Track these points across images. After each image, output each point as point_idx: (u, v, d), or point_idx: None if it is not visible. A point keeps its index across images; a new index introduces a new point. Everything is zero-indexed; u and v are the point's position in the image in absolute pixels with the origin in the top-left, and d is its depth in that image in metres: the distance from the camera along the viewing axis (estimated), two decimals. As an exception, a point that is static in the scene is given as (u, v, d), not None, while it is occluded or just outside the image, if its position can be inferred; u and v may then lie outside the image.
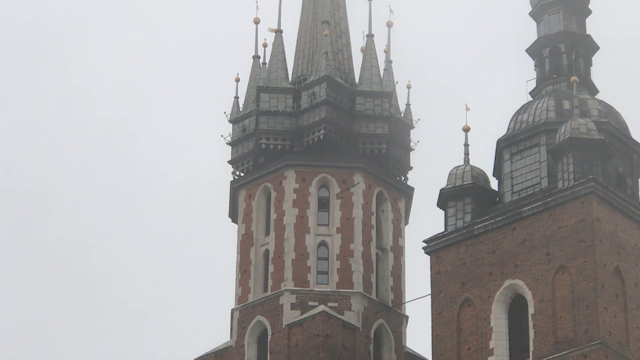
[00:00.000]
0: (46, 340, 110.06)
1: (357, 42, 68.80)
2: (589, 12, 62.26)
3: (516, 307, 55.25)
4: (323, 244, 63.91)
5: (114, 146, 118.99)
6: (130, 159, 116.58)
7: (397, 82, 67.92)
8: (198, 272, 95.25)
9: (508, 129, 59.65)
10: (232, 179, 66.96)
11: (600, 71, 61.87)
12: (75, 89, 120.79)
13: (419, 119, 67.87)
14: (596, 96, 60.42)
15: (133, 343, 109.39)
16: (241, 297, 64.00)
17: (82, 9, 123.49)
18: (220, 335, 64.09)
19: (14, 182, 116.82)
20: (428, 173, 66.99)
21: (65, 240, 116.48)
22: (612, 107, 59.72)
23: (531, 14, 62.36)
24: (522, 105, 60.35)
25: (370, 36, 68.20)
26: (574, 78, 59.03)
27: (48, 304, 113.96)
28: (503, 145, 59.23)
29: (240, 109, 67.62)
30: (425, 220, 64.40)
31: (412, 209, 67.07)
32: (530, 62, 62.04)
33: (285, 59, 68.37)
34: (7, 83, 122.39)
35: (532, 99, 60.68)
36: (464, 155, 59.93)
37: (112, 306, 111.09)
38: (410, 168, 67.49)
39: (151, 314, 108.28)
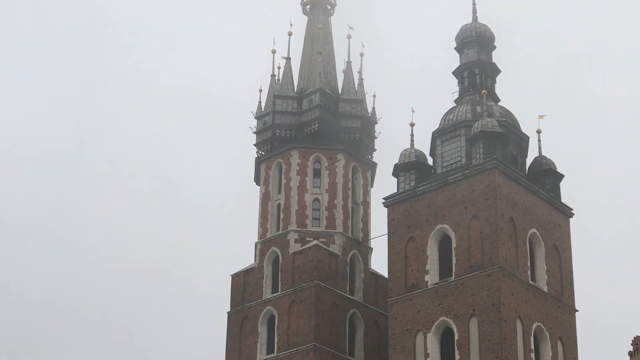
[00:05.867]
0: (44, 337, 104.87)
1: (340, 66, 68.29)
2: (494, 47, 62.06)
3: (444, 243, 55.10)
4: (316, 199, 63.59)
5: (149, 149, 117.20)
6: (183, 153, 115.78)
7: (366, 93, 67.52)
8: (233, 218, 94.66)
9: (440, 124, 59.43)
10: (257, 156, 66.57)
11: (501, 86, 61.75)
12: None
13: (380, 118, 67.55)
14: (498, 103, 60.18)
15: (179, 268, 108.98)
16: (262, 234, 63.71)
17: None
18: (248, 260, 63.74)
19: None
20: (386, 153, 66.65)
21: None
22: (509, 111, 59.58)
23: (456, 49, 62.05)
24: (449, 109, 60.07)
25: (349, 62, 67.76)
26: (483, 91, 59.09)
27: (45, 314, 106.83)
28: (436, 136, 59.05)
29: (262, 110, 67.16)
30: (384, 184, 64.10)
31: (375, 177, 66.68)
32: (455, 80, 61.66)
33: (292, 76, 67.78)
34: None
35: (456, 105, 60.34)
36: (410, 142, 59.46)
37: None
38: (375, 150, 67.16)
39: (197, 247, 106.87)
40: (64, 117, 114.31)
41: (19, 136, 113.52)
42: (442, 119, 59.51)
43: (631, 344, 39.48)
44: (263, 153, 66.28)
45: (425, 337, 53.24)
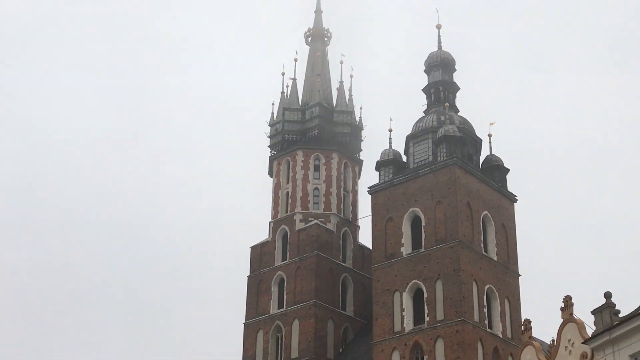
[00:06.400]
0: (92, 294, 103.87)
1: (334, 85, 68.22)
2: (455, 70, 61.50)
3: (416, 222, 54.77)
4: (316, 188, 63.40)
5: (186, 148, 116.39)
6: (213, 153, 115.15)
7: (355, 106, 67.37)
8: (252, 203, 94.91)
9: (412, 130, 58.96)
10: (270, 155, 66.31)
11: (460, 100, 61.43)
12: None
13: (366, 125, 67.29)
14: (458, 113, 59.75)
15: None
16: (274, 215, 63.48)
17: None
18: (263, 235, 63.56)
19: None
20: (370, 152, 66.86)
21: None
22: (466, 119, 59.13)
23: (425, 71, 61.53)
24: (419, 118, 59.61)
25: (341, 82, 67.66)
26: (446, 104, 58.68)
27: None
28: (409, 139, 58.65)
29: (274, 119, 66.83)
30: (369, 176, 64.23)
31: (362, 170, 66.48)
32: (424, 96, 61.12)
33: (297, 93, 67.56)
34: None
35: (424, 115, 59.88)
36: (389, 144, 59.17)
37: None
38: (361, 150, 66.92)
39: (224, 225, 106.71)
40: (120, 118, 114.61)
41: (83, 133, 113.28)
42: (413, 125, 59.07)
43: (562, 302, 39.20)
44: (275, 152, 65.97)
45: (401, 296, 52.99)
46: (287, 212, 62.95)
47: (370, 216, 56.93)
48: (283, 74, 67.77)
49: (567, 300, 38.34)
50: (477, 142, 58.29)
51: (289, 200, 63.24)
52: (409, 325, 52.17)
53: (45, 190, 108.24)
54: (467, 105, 61.30)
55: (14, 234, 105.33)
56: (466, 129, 57.70)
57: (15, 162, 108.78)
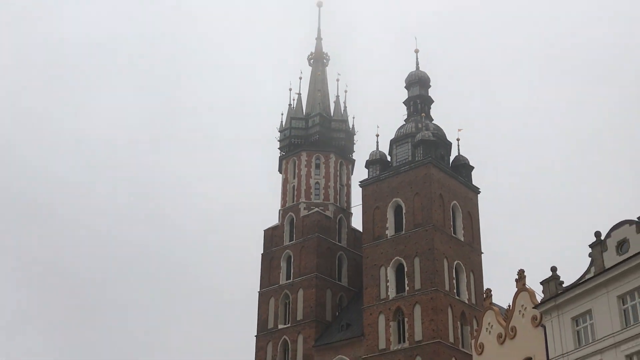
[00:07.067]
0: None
1: (332, 98, 68.11)
2: (430, 86, 61.60)
3: (398, 210, 55.02)
4: (317, 182, 63.40)
5: (210, 150, 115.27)
6: (231, 154, 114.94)
7: (348, 115, 67.32)
8: (265, 194, 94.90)
9: (395, 135, 59.14)
10: (280, 155, 66.32)
11: (435, 111, 61.60)
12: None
13: (357, 131, 67.22)
14: (432, 122, 59.90)
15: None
16: (283, 204, 63.58)
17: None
18: (274, 220, 63.67)
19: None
20: (361, 153, 67.09)
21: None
22: (439, 126, 59.30)
23: (405, 87, 61.58)
24: (401, 125, 59.81)
25: (337, 96, 67.71)
26: (423, 114, 58.95)
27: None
28: (393, 142, 58.82)
29: (283, 126, 66.85)
30: (360, 173, 64.41)
31: (354, 168, 66.46)
32: (404, 107, 61.19)
33: (302, 105, 67.54)
34: None
35: (405, 123, 60.05)
36: (376, 146, 59.29)
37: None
38: (354, 151, 66.83)
39: (243, 213, 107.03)
40: (150, 120, 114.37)
41: (123, 133, 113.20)
42: (396, 131, 59.23)
43: (517, 274, 39.56)
44: (284, 153, 65.93)
45: (386, 270, 53.34)
46: (293, 201, 63.12)
47: (361, 205, 57.21)
48: (290, 89, 68.04)
49: (521, 273, 38.64)
50: (448, 145, 58.49)
51: (295, 192, 63.36)
52: (392, 293, 52.54)
53: (88, 184, 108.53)
54: (440, 115, 61.69)
55: (49, 226, 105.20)
56: (439, 134, 57.96)
57: (62, 162, 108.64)
